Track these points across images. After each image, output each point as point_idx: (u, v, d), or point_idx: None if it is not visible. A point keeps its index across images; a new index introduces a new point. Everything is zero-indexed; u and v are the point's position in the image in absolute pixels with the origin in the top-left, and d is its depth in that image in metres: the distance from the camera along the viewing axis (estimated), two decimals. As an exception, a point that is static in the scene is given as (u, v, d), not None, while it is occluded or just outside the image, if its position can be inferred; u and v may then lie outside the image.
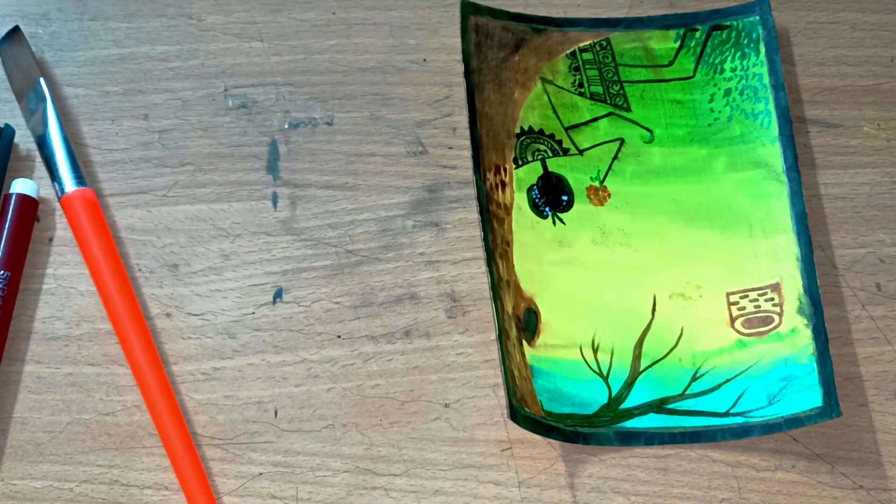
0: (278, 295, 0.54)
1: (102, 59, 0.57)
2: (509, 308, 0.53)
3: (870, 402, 0.53)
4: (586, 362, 0.53)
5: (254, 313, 0.54)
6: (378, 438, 0.52)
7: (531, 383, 0.52)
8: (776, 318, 0.54)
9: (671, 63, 0.59)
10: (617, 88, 0.58)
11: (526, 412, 0.51)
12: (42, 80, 0.55)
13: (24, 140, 0.56)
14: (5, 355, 0.52)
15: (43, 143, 0.54)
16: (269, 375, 0.53)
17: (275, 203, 0.55)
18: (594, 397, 0.53)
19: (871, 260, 0.56)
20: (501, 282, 0.53)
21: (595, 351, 0.54)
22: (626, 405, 0.53)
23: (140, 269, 0.54)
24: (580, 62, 0.58)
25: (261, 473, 0.51)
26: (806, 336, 0.53)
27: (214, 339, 0.53)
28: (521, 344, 0.53)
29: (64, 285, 0.53)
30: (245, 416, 0.52)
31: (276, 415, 0.52)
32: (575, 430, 0.51)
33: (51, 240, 0.54)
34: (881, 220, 0.56)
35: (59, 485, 0.51)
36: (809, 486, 0.52)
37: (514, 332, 0.53)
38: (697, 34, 0.59)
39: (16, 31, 0.56)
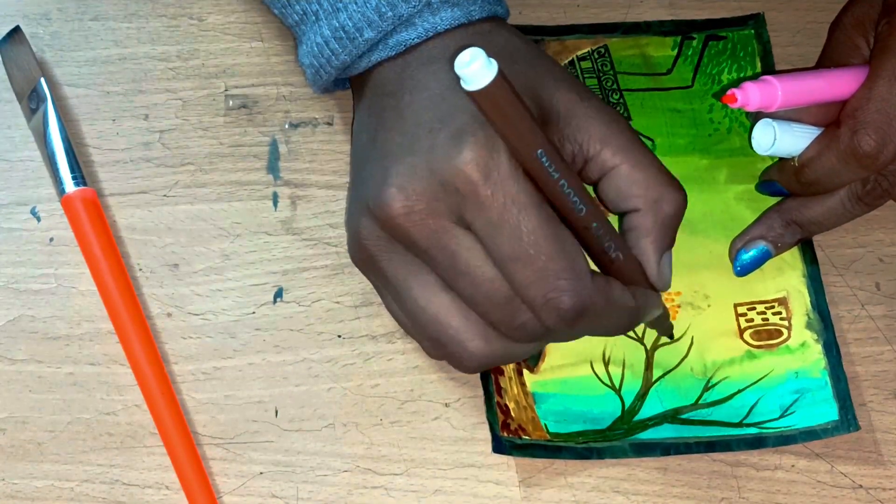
0: (279, 294, 0.54)
1: (103, 59, 0.57)
2: None
3: (869, 401, 0.53)
4: (598, 377, 0.53)
5: (254, 313, 0.54)
6: (378, 438, 0.52)
7: (533, 411, 0.52)
8: (785, 331, 0.54)
9: (670, 71, 0.58)
10: (617, 97, 0.58)
11: (523, 440, 0.51)
12: (42, 80, 0.55)
13: (24, 140, 0.56)
14: (5, 355, 0.52)
15: (43, 142, 0.54)
16: (269, 375, 0.53)
17: (275, 203, 0.55)
18: (607, 411, 0.52)
19: (871, 259, 0.56)
20: None
21: (606, 364, 0.53)
22: (639, 417, 0.52)
23: (140, 269, 0.54)
24: (579, 71, 0.58)
25: (261, 473, 0.51)
26: (816, 351, 0.53)
27: (215, 338, 0.53)
28: (519, 375, 0.53)
29: (64, 285, 0.53)
30: (245, 415, 0.52)
31: (276, 414, 0.52)
32: (588, 447, 0.51)
33: (51, 240, 0.54)
34: (881, 220, 0.56)
35: (59, 484, 0.51)
36: (809, 485, 0.52)
37: (510, 367, 0.53)
38: (694, 43, 0.58)
39: (16, 31, 0.56)
